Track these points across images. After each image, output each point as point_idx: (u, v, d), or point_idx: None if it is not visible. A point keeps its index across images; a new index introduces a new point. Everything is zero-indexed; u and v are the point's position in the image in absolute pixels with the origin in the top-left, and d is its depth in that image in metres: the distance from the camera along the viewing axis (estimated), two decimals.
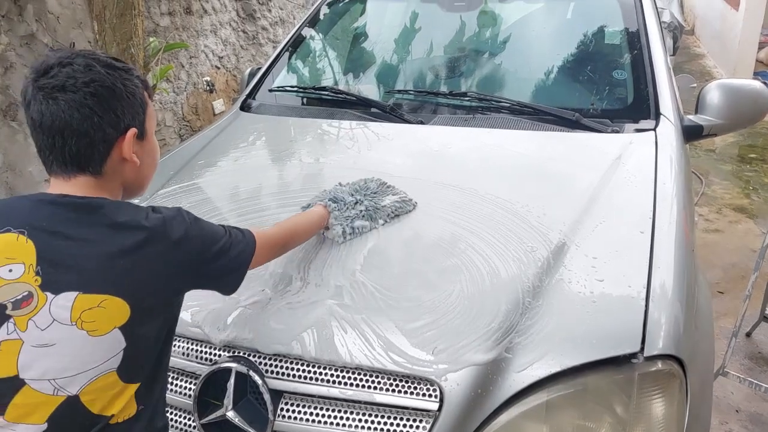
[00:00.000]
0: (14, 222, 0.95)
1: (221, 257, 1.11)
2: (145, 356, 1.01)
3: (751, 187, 4.63)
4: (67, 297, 0.92)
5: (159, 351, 1.04)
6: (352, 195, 1.57)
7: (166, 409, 1.30)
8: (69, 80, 0.97)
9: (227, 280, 1.16)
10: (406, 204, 1.59)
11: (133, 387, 0.99)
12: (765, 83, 2.16)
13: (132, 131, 1.03)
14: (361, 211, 1.53)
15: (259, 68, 2.76)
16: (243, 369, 1.22)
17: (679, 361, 1.18)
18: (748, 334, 2.93)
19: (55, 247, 0.94)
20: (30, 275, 0.93)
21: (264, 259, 1.25)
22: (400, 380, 1.16)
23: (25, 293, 0.92)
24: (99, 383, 0.94)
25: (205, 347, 1.29)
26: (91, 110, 0.98)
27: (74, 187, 1.00)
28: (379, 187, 1.63)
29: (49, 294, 0.92)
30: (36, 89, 0.98)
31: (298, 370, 1.21)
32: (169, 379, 1.31)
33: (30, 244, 0.93)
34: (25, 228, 0.94)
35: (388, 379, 1.16)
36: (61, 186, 1.01)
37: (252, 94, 2.57)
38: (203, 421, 1.24)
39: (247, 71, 2.87)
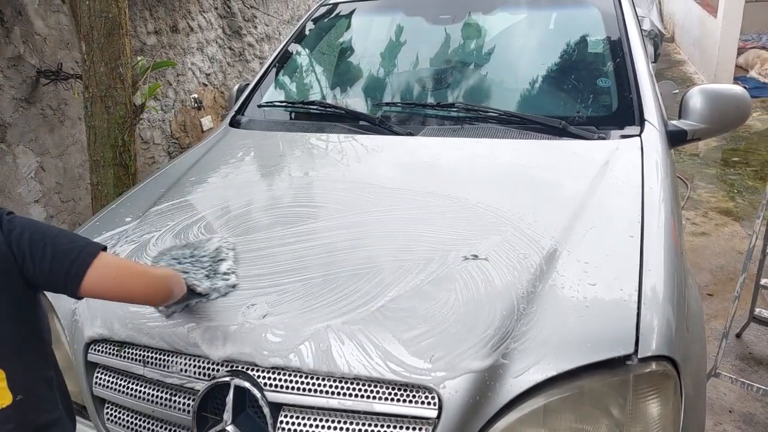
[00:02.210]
0: None
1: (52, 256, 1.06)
2: None
3: (735, 190, 4.70)
4: None
5: (16, 337, 1.05)
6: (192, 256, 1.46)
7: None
8: None
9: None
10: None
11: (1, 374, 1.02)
12: (745, 87, 2.20)
13: None
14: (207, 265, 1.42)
15: (248, 84, 2.78)
16: (241, 383, 1.22)
17: (673, 362, 1.20)
18: (738, 335, 2.96)
19: None
20: None
21: (105, 281, 1.11)
22: (399, 389, 1.17)
23: None
24: None
25: (203, 362, 1.29)
26: None
27: None
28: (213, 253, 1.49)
29: None
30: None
31: (296, 382, 1.22)
32: (168, 396, 1.31)
33: None
34: None
35: (387, 388, 1.17)
36: None
37: (241, 110, 2.58)
38: None
39: (236, 87, 2.89)
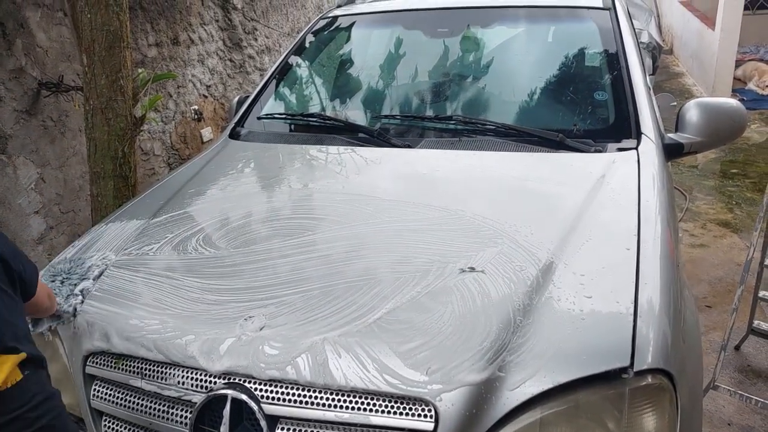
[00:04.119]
0: None
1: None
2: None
3: (734, 202, 4.70)
4: None
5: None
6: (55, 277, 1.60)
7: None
8: None
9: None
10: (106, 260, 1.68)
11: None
12: (743, 100, 2.22)
13: None
14: (73, 284, 1.57)
15: (248, 96, 2.79)
16: (238, 395, 1.22)
17: (669, 375, 1.20)
18: (737, 348, 2.95)
19: None
20: None
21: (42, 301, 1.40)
22: (395, 401, 1.17)
23: None
24: None
25: (200, 375, 1.30)
26: None
27: None
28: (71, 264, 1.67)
29: None
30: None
31: (293, 394, 1.22)
32: (166, 408, 1.32)
33: None
34: None
35: (383, 400, 1.18)
36: None
37: (241, 122, 2.60)
38: None
39: (236, 99, 2.90)
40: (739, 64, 7.54)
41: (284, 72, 2.85)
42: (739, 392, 2.52)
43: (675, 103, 3.05)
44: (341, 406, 1.19)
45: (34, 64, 3.19)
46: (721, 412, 2.56)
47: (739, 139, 5.25)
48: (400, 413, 1.16)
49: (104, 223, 1.96)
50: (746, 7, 7.39)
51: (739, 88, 7.37)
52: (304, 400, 1.21)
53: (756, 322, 2.82)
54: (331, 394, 1.20)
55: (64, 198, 3.43)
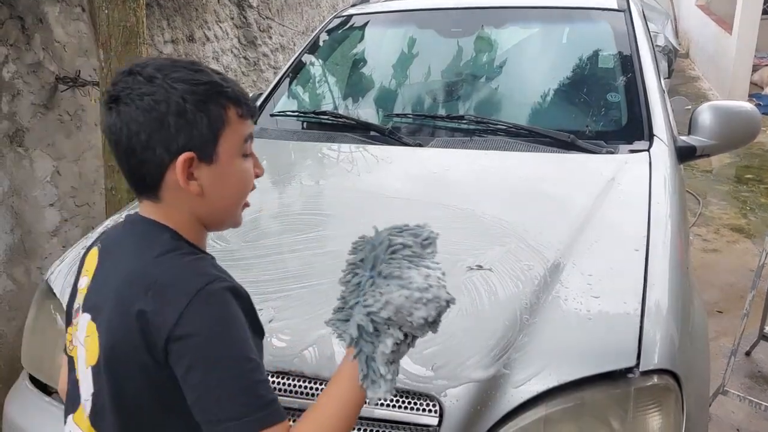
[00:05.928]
0: (102, 235, 1.01)
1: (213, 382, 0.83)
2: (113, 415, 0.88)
3: (747, 207, 4.67)
4: (85, 318, 0.92)
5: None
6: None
7: None
8: (125, 90, 0.86)
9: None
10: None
11: None
12: (759, 104, 2.21)
13: (185, 156, 0.86)
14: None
15: (261, 93, 2.81)
16: None
17: (675, 376, 1.20)
18: (748, 353, 2.93)
19: (104, 266, 0.94)
20: (84, 290, 0.95)
21: None
22: (401, 396, 1.18)
23: (77, 306, 0.96)
24: (80, 414, 0.93)
25: None
26: (140, 126, 0.84)
27: (144, 209, 0.92)
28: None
29: (81, 312, 0.94)
30: (103, 97, 0.97)
31: (300, 386, 1.23)
32: None
33: (95, 260, 0.96)
34: (100, 242, 0.99)
35: None
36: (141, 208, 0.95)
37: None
38: None
39: (249, 96, 2.92)
40: (756, 68, 7.48)
41: (298, 70, 2.86)
42: (749, 398, 2.50)
43: (689, 107, 3.03)
44: None
45: (52, 59, 3.23)
46: (730, 417, 2.55)
47: (754, 145, 5.21)
48: (405, 407, 1.17)
49: (119, 215, 1.99)
50: (764, 12, 7.33)
51: (755, 93, 7.30)
52: (310, 392, 1.22)
53: (767, 328, 2.80)
54: None
55: (79, 191, 3.47)
